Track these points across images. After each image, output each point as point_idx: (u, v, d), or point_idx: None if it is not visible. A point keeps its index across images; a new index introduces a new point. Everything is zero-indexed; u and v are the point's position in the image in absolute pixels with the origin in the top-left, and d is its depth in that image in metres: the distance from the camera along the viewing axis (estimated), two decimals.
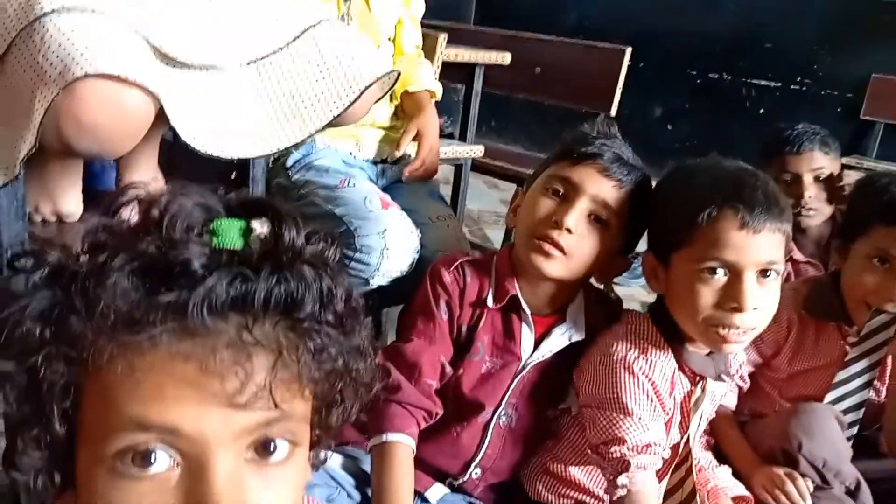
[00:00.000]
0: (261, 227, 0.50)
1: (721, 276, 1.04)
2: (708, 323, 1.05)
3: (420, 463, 1.12)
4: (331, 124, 1.10)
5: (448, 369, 1.14)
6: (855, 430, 1.41)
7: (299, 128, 1.04)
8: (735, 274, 1.04)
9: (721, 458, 1.35)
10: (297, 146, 1.55)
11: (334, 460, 1.17)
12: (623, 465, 1.06)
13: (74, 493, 0.51)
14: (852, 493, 1.30)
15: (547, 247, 1.08)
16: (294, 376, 0.51)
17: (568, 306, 1.18)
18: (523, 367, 1.17)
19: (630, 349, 1.11)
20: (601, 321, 1.19)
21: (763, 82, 4.10)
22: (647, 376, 1.10)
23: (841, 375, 1.39)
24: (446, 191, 2.16)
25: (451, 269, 1.16)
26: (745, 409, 1.49)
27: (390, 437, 1.06)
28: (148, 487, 0.47)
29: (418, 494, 1.14)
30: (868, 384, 1.39)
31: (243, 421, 0.48)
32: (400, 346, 1.13)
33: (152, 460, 0.47)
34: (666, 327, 1.13)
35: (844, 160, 2.10)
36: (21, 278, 0.48)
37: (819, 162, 1.87)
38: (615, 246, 1.13)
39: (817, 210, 1.86)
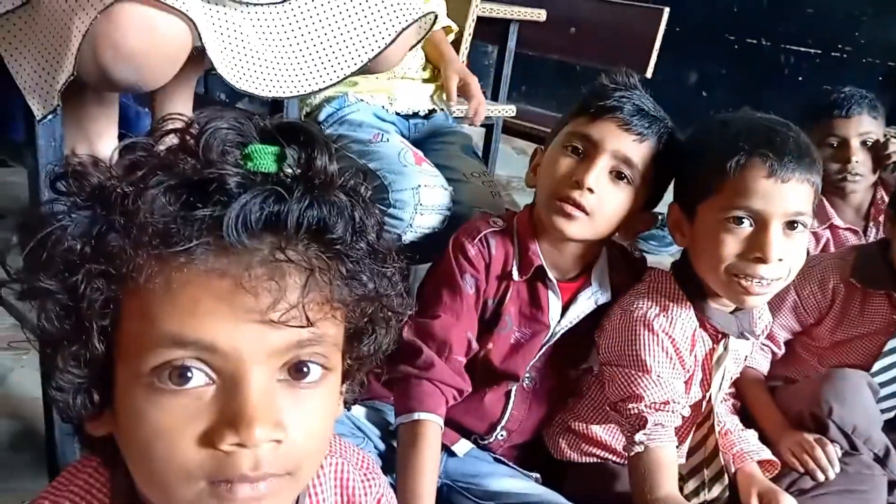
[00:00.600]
0: (294, 151, 0.51)
1: (747, 226, 1.03)
2: (730, 273, 1.04)
3: (448, 421, 1.12)
4: (365, 69, 1.09)
5: (474, 345, 1.13)
6: None
7: (333, 69, 1.03)
8: (761, 224, 1.02)
9: (749, 422, 1.34)
10: (329, 100, 1.55)
11: (360, 412, 1.18)
12: (640, 422, 1.06)
13: (112, 412, 0.52)
14: (881, 459, 1.29)
15: (568, 208, 1.06)
16: (326, 298, 0.52)
17: (592, 268, 1.16)
18: (552, 335, 1.16)
19: (650, 306, 1.10)
20: (626, 281, 1.17)
21: (803, 49, 3.98)
22: (666, 333, 1.09)
23: (891, 344, 1.37)
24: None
25: (476, 241, 1.13)
26: (779, 375, 1.49)
27: (421, 416, 1.06)
28: (184, 403, 0.48)
29: (445, 448, 1.14)
30: None
31: (277, 339, 0.49)
32: (428, 322, 1.11)
33: (189, 376, 0.48)
34: (688, 284, 1.11)
35: (886, 130, 2.05)
36: (62, 200, 0.49)
37: (867, 126, 1.82)
38: (640, 202, 1.10)
39: (863, 176, 1.82)
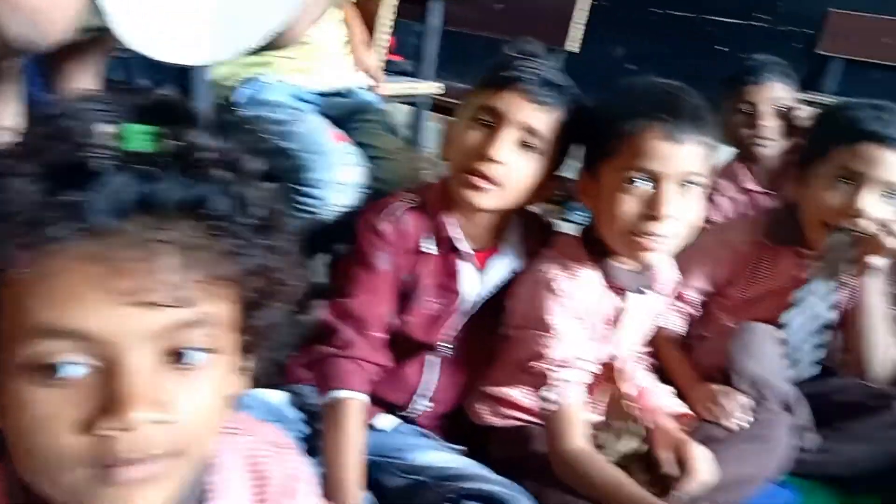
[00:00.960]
0: (170, 129, 0.51)
1: (644, 186, 1.08)
2: (628, 231, 1.09)
3: (370, 396, 1.14)
4: (273, 45, 1.08)
5: (393, 320, 1.15)
6: (823, 352, 1.46)
7: (238, 39, 1.02)
8: (656, 183, 1.07)
9: (667, 380, 1.41)
10: (244, 82, 1.54)
11: (282, 398, 1.17)
12: (547, 381, 1.10)
13: None
14: (787, 407, 1.36)
15: (477, 180, 1.08)
16: (208, 277, 0.51)
17: (506, 236, 1.20)
18: (469, 304, 1.19)
19: (555, 269, 1.14)
20: (540, 247, 1.21)
21: (725, 19, 4.09)
22: (570, 294, 1.13)
23: (798, 295, 1.44)
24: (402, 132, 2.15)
25: (387, 217, 1.14)
26: (697, 335, 1.55)
27: (343, 394, 1.07)
28: (61, 392, 0.48)
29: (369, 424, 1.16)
30: (833, 306, 1.44)
31: (155, 321, 0.49)
32: (345, 301, 1.13)
33: (64, 365, 0.48)
34: (594, 245, 1.16)
35: (801, 96, 2.13)
36: None
37: (778, 93, 1.89)
38: (548, 169, 1.13)
39: (774, 141, 1.89)
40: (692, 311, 1.55)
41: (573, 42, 2.49)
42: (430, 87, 2.16)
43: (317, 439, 1.10)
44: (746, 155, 1.94)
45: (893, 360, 1.42)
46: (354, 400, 1.08)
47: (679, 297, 1.52)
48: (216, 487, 0.65)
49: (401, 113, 2.00)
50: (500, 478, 1.08)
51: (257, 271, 0.56)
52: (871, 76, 3.71)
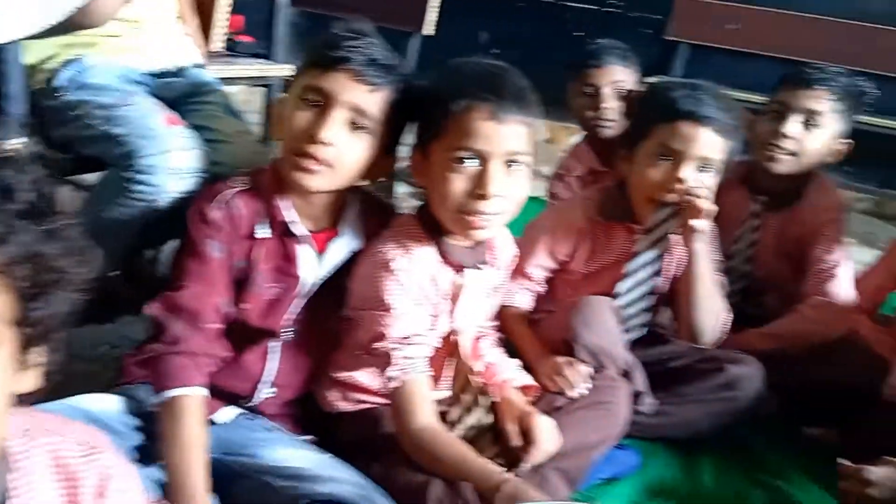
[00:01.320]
0: None
1: (471, 165, 1.09)
2: (458, 210, 1.11)
3: (210, 388, 1.10)
4: (83, 22, 1.01)
5: (228, 309, 1.12)
6: (648, 316, 1.56)
7: (36, 17, 0.94)
8: (483, 162, 1.09)
9: (515, 355, 1.44)
10: (66, 64, 1.43)
11: (113, 405, 1.11)
12: (389, 359, 1.11)
13: None
14: (625, 374, 1.44)
15: (308, 162, 1.06)
16: None
17: (344, 216, 1.18)
18: (308, 288, 1.17)
19: (392, 248, 1.15)
20: (378, 228, 1.20)
21: (581, 5, 4.23)
22: (406, 272, 1.14)
23: (630, 267, 1.53)
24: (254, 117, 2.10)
25: (217, 204, 1.11)
26: (544, 310, 1.60)
27: (176, 391, 1.03)
28: None
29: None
30: (656, 273, 1.53)
31: None
32: (174, 294, 1.08)
33: None
34: (429, 223, 1.17)
35: (651, 80, 2.24)
36: None
37: (618, 75, 1.96)
38: (380, 148, 1.13)
39: (616, 122, 1.96)
40: (537, 288, 1.60)
41: (429, 25, 2.49)
42: (280, 69, 2.11)
43: (158, 443, 1.05)
44: (591, 136, 2.02)
45: (723, 324, 1.52)
46: (190, 396, 1.04)
47: (523, 275, 1.56)
48: (19, 487, 0.64)
49: (253, 95, 1.93)
50: (350, 476, 1.07)
51: (26, 258, 0.54)
52: (715, 61, 3.96)
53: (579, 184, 2.02)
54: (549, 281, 1.62)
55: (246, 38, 2.21)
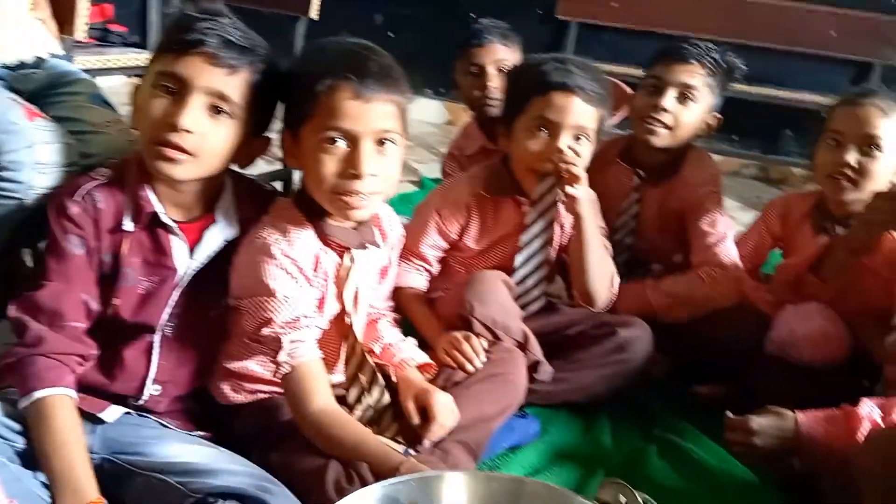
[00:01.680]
0: None
1: (341, 146, 1.09)
2: (333, 191, 1.10)
3: (94, 390, 1.08)
4: None
5: (94, 306, 1.08)
6: (545, 286, 1.59)
7: None
8: (353, 142, 1.08)
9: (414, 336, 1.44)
10: None
11: None
12: (278, 344, 1.09)
13: None
14: (521, 345, 1.46)
15: (169, 152, 1.03)
16: None
17: (218, 203, 1.15)
18: (183, 279, 1.13)
19: (270, 234, 1.13)
20: (255, 214, 1.17)
21: None
22: (287, 256, 1.12)
23: (523, 239, 1.55)
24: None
25: (78, 198, 1.06)
26: (440, 289, 1.61)
27: (43, 392, 1.00)
28: None
29: (94, 418, 1.07)
30: (547, 243, 1.56)
31: None
32: (33, 294, 1.04)
33: None
34: (308, 206, 1.16)
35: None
36: None
37: (500, 54, 1.99)
38: (247, 130, 1.10)
39: (500, 100, 1.99)
40: (431, 268, 1.60)
41: (314, 9, 2.45)
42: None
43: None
44: (480, 114, 2.03)
45: (614, 286, 1.57)
46: (57, 396, 1.00)
47: (415, 255, 1.57)
48: None
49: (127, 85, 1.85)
50: (246, 468, 1.05)
51: None
52: (604, 38, 4.06)
53: (471, 163, 2.04)
54: (444, 261, 1.63)
55: (118, 28, 2.11)
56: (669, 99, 1.72)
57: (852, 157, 1.54)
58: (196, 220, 1.13)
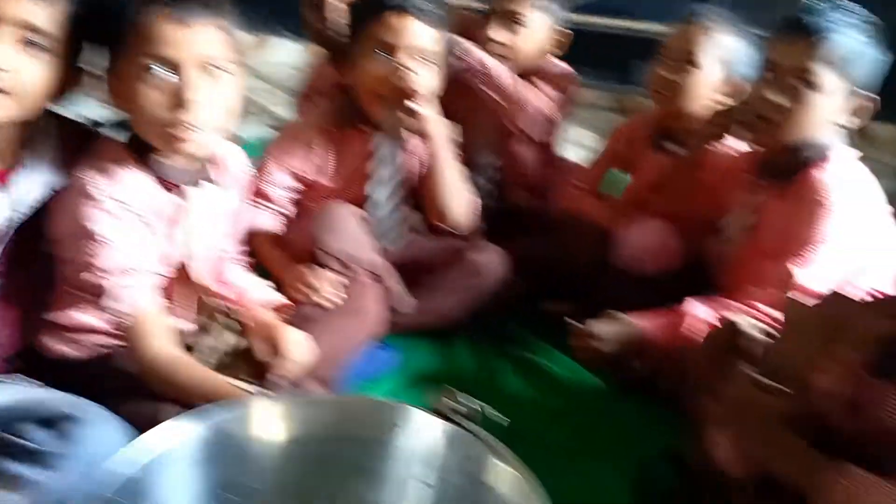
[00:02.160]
0: None
1: (165, 76, 1.03)
2: (161, 125, 1.05)
3: None
4: None
5: None
6: (397, 215, 1.59)
7: None
8: (177, 71, 1.03)
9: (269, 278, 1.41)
10: None
11: None
12: (100, 290, 1.05)
13: None
14: (378, 277, 1.47)
15: None
16: None
17: (35, 148, 1.07)
18: (4, 235, 1.05)
19: (93, 175, 1.06)
20: (81, 158, 1.10)
21: None
22: (112, 198, 1.06)
23: (371, 167, 1.55)
24: None
25: None
26: (298, 229, 1.58)
27: None
28: None
29: None
30: (398, 170, 1.56)
31: None
32: None
33: None
34: (138, 145, 1.10)
35: None
36: None
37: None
38: (67, 64, 1.02)
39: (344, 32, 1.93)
40: (282, 209, 1.57)
41: None
42: None
43: None
44: (329, 50, 1.98)
45: (471, 206, 1.60)
46: None
47: (263, 196, 1.53)
48: None
49: None
50: (61, 394, 1.01)
51: None
52: None
53: (324, 100, 1.99)
54: (302, 203, 1.60)
55: None
56: (496, 31, 1.75)
57: (671, 73, 1.60)
58: (9, 167, 1.05)
